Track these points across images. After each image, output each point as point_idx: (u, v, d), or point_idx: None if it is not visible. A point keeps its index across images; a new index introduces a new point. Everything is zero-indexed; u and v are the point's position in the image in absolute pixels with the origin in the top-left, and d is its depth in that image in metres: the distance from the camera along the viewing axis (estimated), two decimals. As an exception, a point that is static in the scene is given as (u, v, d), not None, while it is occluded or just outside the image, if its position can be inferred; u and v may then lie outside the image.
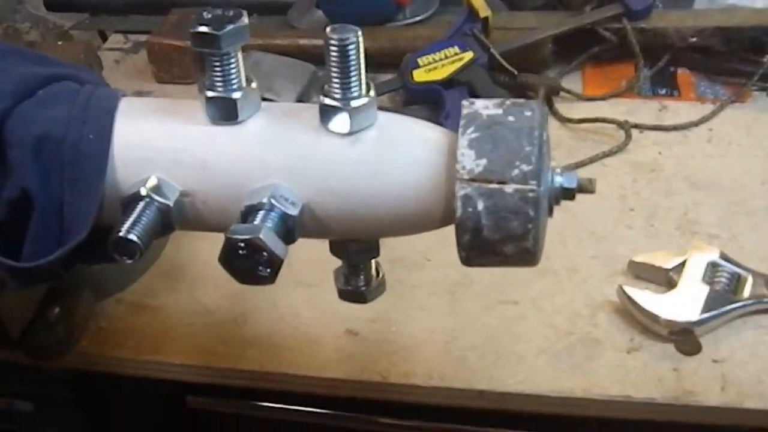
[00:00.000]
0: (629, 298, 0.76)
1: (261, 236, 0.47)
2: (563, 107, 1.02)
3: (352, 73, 0.50)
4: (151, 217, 0.51)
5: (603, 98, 1.04)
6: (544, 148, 0.49)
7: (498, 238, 0.49)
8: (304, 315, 0.78)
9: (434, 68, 0.98)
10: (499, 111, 0.50)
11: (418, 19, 1.13)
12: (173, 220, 0.52)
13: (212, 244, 0.51)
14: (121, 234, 0.50)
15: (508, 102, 0.51)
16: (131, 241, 0.50)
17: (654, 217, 0.87)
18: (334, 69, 0.50)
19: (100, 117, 0.54)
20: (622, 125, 0.97)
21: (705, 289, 0.75)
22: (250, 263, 0.49)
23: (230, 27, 0.49)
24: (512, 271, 0.79)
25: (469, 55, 0.98)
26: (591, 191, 0.53)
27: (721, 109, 1.02)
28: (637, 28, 1.05)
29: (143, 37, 1.22)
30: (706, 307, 0.74)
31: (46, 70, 0.58)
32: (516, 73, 0.99)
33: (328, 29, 0.49)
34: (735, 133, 0.99)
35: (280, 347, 0.75)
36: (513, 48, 1.02)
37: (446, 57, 0.98)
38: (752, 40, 1.07)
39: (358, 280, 0.60)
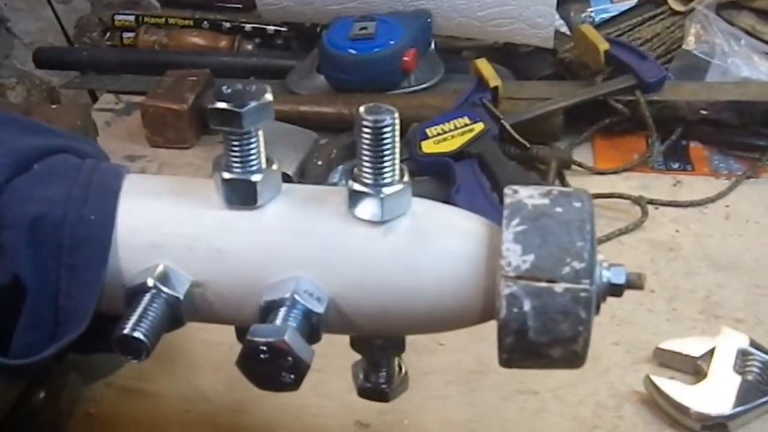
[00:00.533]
0: (657, 389, 0.71)
1: (286, 339, 0.43)
2: (575, 181, 0.98)
3: (386, 158, 0.46)
4: (159, 312, 0.46)
5: (615, 172, 1.00)
6: (594, 242, 0.45)
7: (545, 341, 0.45)
8: (309, 404, 0.72)
9: (444, 139, 0.94)
10: (546, 201, 0.46)
11: (423, 86, 1.09)
12: (183, 314, 0.48)
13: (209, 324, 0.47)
14: (125, 332, 0.45)
15: (554, 191, 0.47)
16: (138, 339, 0.45)
17: (676, 300, 0.83)
18: (367, 152, 0.45)
19: (103, 197, 0.49)
20: (638, 201, 0.94)
21: (737, 380, 0.71)
22: (272, 368, 0.44)
23: (253, 104, 0.45)
24: None
25: (479, 127, 0.94)
26: (640, 287, 0.49)
27: (737, 185, 0.98)
28: (649, 101, 1.02)
29: (136, 98, 1.18)
30: (739, 400, 0.70)
31: (43, 142, 0.54)
32: (528, 145, 0.96)
33: (361, 109, 0.45)
34: (753, 211, 0.96)
35: (283, 440, 0.69)
36: (524, 119, 0.98)
37: (456, 128, 0.95)
38: (764, 114, 1.05)
39: (378, 377, 0.55)
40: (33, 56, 1.30)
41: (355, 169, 0.47)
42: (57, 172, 0.51)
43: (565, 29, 1.18)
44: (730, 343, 0.74)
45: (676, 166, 1.03)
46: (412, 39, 1.07)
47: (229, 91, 0.46)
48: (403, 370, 0.56)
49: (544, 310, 0.44)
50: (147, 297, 0.47)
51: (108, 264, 0.48)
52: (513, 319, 0.44)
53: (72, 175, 0.50)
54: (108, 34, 1.34)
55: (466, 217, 0.49)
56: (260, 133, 0.47)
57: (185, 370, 0.76)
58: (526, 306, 0.44)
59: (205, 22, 1.28)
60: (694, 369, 0.74)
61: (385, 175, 0.46)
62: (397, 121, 0.45)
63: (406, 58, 1.05)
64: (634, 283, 0.49)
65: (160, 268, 0.47)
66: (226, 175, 0.47)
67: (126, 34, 1.31)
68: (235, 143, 0.46)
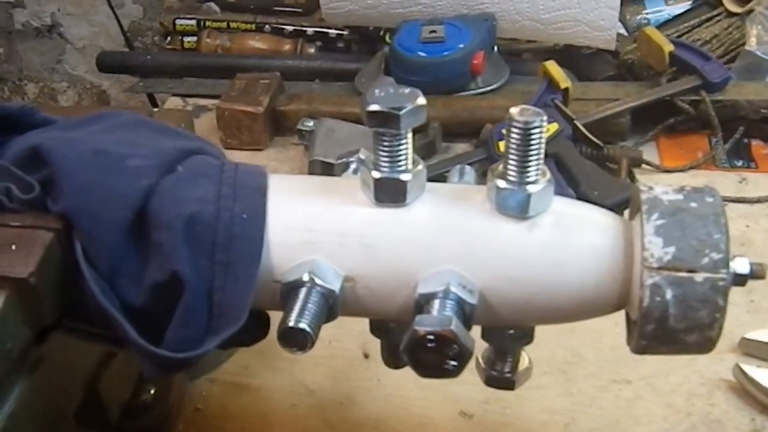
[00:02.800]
0: (748, 377, 0.74)
1: (453, 328, 0.45)
2: (645, 179, 1.01)
3: (532, 157, 0.48)
4: (318, 305, 0.49)
5: (683, 170, 1.03)
6: (729, 234, 0.48)
7: (683, 327, 0.48)
8: (413, 396, 0.75)
9: (520, 139, 0.96)
10: (680, 197, 0.49)
11: (490, 88, 1.12)
12: (338, 306, 0.50)
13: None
14: (291, 324, 0.48)
15: (687, 188, 0.50)
16: (303, 330, 0.48)
17: (753, 293, 0.85)
18: (514, 151, 0.48)
19: (252, 196, 0.52)
20: (709, 198, 0.96)
21: (823, 368, 0.74)
22: (437, 357, 0.46)
23: (410, 107, 0.48)
24: (621, 348, 0.77)
25: (554, 127, 0.97)
26: (762, 277, 0.51)
27: (802, 181, 1.01)
28: (713, 100, 1.05)
29: (202, 101, 1.21)
30: (827, 387, 0.72)
31: (180, 143, 0.56)
32: (602, 145, 0.99)
33: (512, 110, 0.48)
34: (819, 206, 0.98)
35: (392, 430, 0.72)
36: (595, 119, 1.01)
37: (531, 128, 0.97)
38: (824, 113, 1.07)
39: (504, 366, 0.58)
40: (96, 61, 1.33)
41: (499, 167, 0.49)
42: (202, 173, 0.53)
43: (622, 31, 1.20)
44: (811, 332, 0.77)
45: (740, 163, 1.05)
46: (480, 42, 1.10)
47: (381, 93, 0.48)
48: (527, 359, 0.59)
49: (685, 299, 0.47)
50: (304, 291, 0.49)
51: (261, 260, 0.50)
52: (655, 308, 0.47)
53: (216, 175, 0.52)
54: (168, 38, 1.37)
55: (600, 212, 0.52)
56: (410, 134, 0.49)
57: (287, 365, 0.79)
58: (668, 295, 0.47)
59: (267, 26, 1.31)
60: (779, 358, 0.77)
61: (531, 173, 0.48)
62: (545, 124, 0.48)
63: (475, 61, 1.08)
64: (757, 273, 0.51)
65: (315, 264, 0.50)
66: (376, 174, 0.49)
67: (187, 38, 1.34)
68: (387, 144, 0.49)
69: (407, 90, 0.49)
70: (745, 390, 0.75)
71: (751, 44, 1.09)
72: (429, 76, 1.08)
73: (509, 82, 1.14)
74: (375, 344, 0.62)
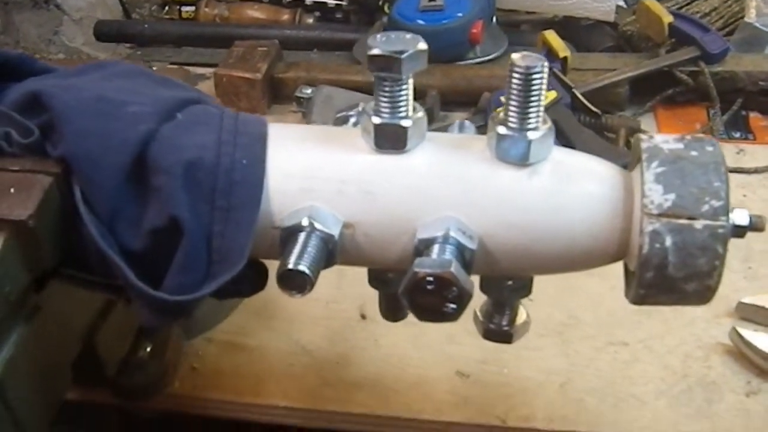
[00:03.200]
0: (744, 340, 0.74)
1: (452, 270, 0.45)
2: (642, 148, 1.01)
3: (533, 103, 0.48)
4: (317, 248, 0.49)
5: (681, 140, 1.03)
6: (729, 182, 0.48)
7: (682, 275, 0.48)
8: (410, 355, 0.75)
9: (519, 107, 0.96)
10: (681, 146, 0.49)
11: (488, 58, 1.12)
12: (337, 251, 0.50)
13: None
14: (290, 266, 0.47)
15: (687, 137, 0.50)
16: (302, 272, 0.47)
17: (750, 260, 0.86)
18: (515, 97, 0.48)
19: (252, 143, 0.51)
20: (707, 167, 0.96)
21: (819, 332, 0.74)
22: (436, 299, 0.46)
23: (411, 51, 0.48)
24: (619, 311, 0.78)
25: (552, 95, 0.97)
26: (762, 229, 0.51)
27: (799, 153, 1.01)
28: (711, 72, 1.05)
29: (200, 69, 1.21)
30: (823, 350, 0.73)
31: (180, 93, 0.56)
32: (600, 113, 0.98)
33: (514, 56, 0.48)
34: (816, 177, 0.98)
35: (389, 390, 0.72)
36: (593, 89, 1.01)
37: (529, 96, 0.97)
38: (821, 85, 1.07)
39: (502, 319, 0.58)
40: (94, 29, 1.32)
41: (500, 114, 0.49)
42: (201, 121, 0.53)
43: (621, 2, 1.20)
44: (808, 298, 0.77)
45: (737, 135, 1.05)
46: (479, 11, 1.09)
47: (383, 39, 0.48)
48: (525, 313, 0.59)
49: (684, 246, 0.47)
50: (303, 235, 0.49)
51: (260, 207, 0.50)
52: (655, 255, 0.47)
53: (216, 123, 0.52)
54: (166, 8, 1.36)
55: (599, 162, 0.52)
56: (411, 80, 0.49)
57: (284, 325, 0.79)
58: (668, 242, 0.47)
59: (266, -4, 1.31)
60: (775, 322, 0.77)
61: (531, 120, 0.48)
62: (546, 69, 0.48)
63: (474, 30, 1.07)
64: (756, 224, 0.51)
65: (314, 209, 0.49)
66: (377, 120, 0.49)
67: (185, 8, 1.34)
68: (388, 89, 0.49)
69: (408, 35, 0.49)
70: (741, 353, 0.75)
71: (750, 16, 1.09)
72: (428, 44, 1.07)
73: (507, 53, 1.14)
74: (372, 305, 0.62)
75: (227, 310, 0.81)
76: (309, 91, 1.05)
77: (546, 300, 0.79)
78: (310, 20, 1.29)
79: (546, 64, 0.48)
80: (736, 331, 0.75)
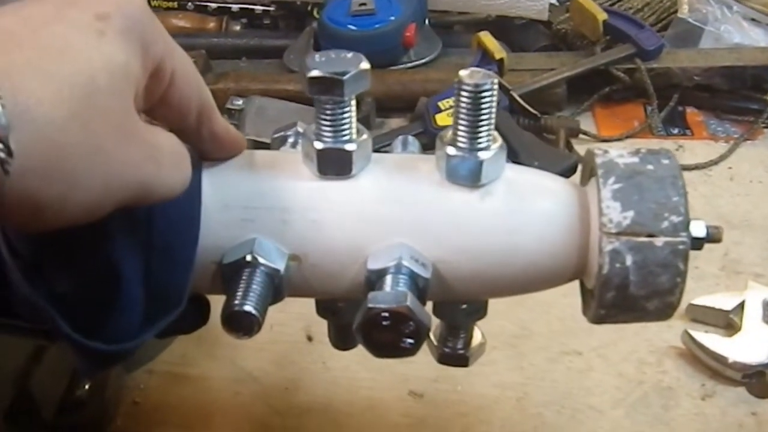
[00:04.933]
0: (697, 342, 0.73)
1: (408, 304, 0.43)
2: (582, 149, 1.00)
3: (483, 122, 0.46)
4: (262, 286, 0.46)
5: (620, 139, 1.03)
6: (687, 196, 0.47)
7: (644, 294, 0.46)
8: (360, 377, 0.73)
9: (457, 112, 0.95)
10: (636, 159, 0.47)
11: (423, 61, 1.10)
12: (284, 286, 0.47)
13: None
14: (236, 308, 0.45)
15: (642, 150, 0.48)
16: (249, 314, 0.45)
17: (697, 259, 0.84)
18: (464, 116, 0.46)
19: None
20: (648, 165, 0.96)
21: (768, 330, 0.74)
22: (393, 335, 0.44)
23: (354, 71, 0.45)
24: (570, 320, 0.77)
25: (490, 98, 0.95)
26: (718, 240, 0.50)
27: (736, 147, 1.02)
28: (647, 68, 1.04)
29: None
30: (775, 348, 0.73)
31: None
32: (539, 115, 0.97)
33: (462, 73, 0.45)
34: (754, 171, 0.99)
35: (341, 414, 0.70)
36: (531, 90, 1.00)
37: (468, 100, 0.95)
38: (755, 79, 1.08)
39: (457, 342, 0.56)
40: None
41: (449, 134, 0.47)
42: None
43: (554, 0, 1.19)
44: (756, 295, 0.77)
45: (675, 131, 1.05)
46: (411, 14, 1.08)
47: (322, 59, 0.46)
48: (481, 335, 0.57)
49: (645, 264, 0.45)
50: (247, 272, 0.46)
51: (199, 242, 0.47)
52: (616, 274, 0.45)
53: None
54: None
55: (552, 178, 0.50)
56: (354, 102, 0.47)
57: (227, 352, 0.76)
58: (629, 261, 0.45)
59: (190, 4, 1.26)
60: (726, 322, 0.77)
61: (482, 139, 0.46)
62: (496, 87, 0.46)
63: (407, 34, 1.05)
64: (714, 236, 0.50)
65: (257, 243, 0.47)
66: (319, 145, 0.46)
67: (108, 20, 1.29)
68: (330, 112, 0.46)
69: (350, 54, 0.47)
70: (694, 356, 0.74)
71: (683, 11, 1.09)
72: (360, 49, 0.99)
73: (442, 55, 1.12)
74: (318, 326, 0.60)
75: (168, 340, 0.77)
76: (240, 102, 1.02)
77: (497, 312, 0.75)
78: (237, 27, 1.25)
79: (495, 81, 0.45)
80: (688, 334, 0.74)
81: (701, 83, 1.08)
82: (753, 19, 1.11)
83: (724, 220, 0.91)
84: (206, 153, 0.48)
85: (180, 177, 0.44)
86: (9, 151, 0.33)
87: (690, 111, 1.08)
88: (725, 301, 0.77)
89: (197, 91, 0.45)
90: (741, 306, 0.76)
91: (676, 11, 1.12)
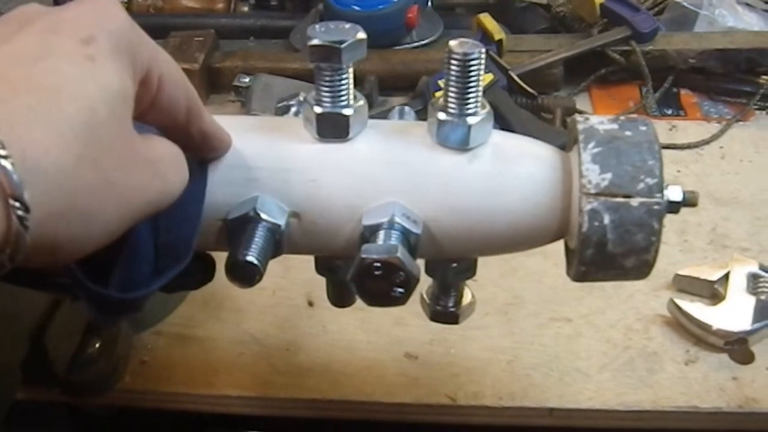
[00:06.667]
0: (681, 310, 0.77)
1: (399, 255, 0.46)
2: (578, 127, 1.03)
3: (471, 89, 0.49)
4: (264, 239, 0.49)
5: (615, 118, 1.05)
6: (662, 160, 0.50)
7: (621, 251, 0.49)
8: (358, 340, 0.76)
9: (456, 90, 0.98)
10: (615, 126, 0.50)
11: (424, 42, 1.13)
12: (284, 241, 0.50)
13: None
14: (238, 257, 0.48)
15: (621, 118, 0.52)
16: (251, 263, 0.48)
17: (686, 233, 0.88)
18: (453, 84, 0.49)
19: None
20: (641, 144, 0.99)
21: (752, 300, 0.76)
22: (384, 284, 0.47)
23: (351, 40, 0.48)
24: (561, 289, 0.80)
25: (489, 77, 0.98)
26: (694, 204, 0.54)
27: (728, 128, 1.04)
28: (643, 51, 1.07)
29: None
30: (756, 317, 0.75)
31: None
32: (536, 94, 1.00)
33: (451, 43, 0.48)
34: (745, 151, 1.02)
35: (339, 374, 0.73)
36: (528, 70, 1.03)
37: (467, 79, 0.98)
38: (748, 62, 1.10)
39: (447, 301, 0.59)
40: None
41: (439, 101, 0.50)
42: None
43: (554, -16, 1.22)
44: (741, 268, 0.80)
45: (669, 112, 1.08)
46: (414, -5, 1.10)
47: (322, 29, 0.49)
48: (471, 294, 0.60)
49: (622, 223, 0.48)
50: (250, 226, 0.49)
51: (206, 199, 0.51)
52: (594, 232, 0.48)
53: None
54: (99, 0, 1.34)
55: (538, 144, 0.53)
56: (351, 69, 0.50)
57: (232, 315, 0.79)
58: (606, 220, 0.48)
59: (200, -15, 1.29)
60: (711, 292, 0.79)
61: (470, 105, 0.49)
62: (483, 55, 0.49)
63: (410, 15, 1.08)
64: (690, 200, 0.53)
65: (260, 200, 0.50)
66: (318, 110, 0.50)
67: None
68: (329, 79, 0.49)
69: (347, 25, 0.50)
70: (679, 323, 0.77)
71: (679, -5, 1.12)
72: (364, 30, 1.07)
73: (444, 36, 1.15)
74: (319, 292, 0.63)
75: (175, 302, 0.81)
76: (247, 79, 1.05)
77: (490, 280, 0.81)
78: (245, 8, 1.28)
79: (483, 50, 0.48)
80: (674, 302, 0.77)
81: (696, 65, 1.10)
82: (747, 4, 1.13)
83: (714, 197, 0.93)
84: (197, 151, 0.49)
85: (181, 180, 0.46)
86: (26, 208, 0.33)
87: (684, 92, 1.11)
88: (711, 272, 0.80)
89: (184, 90, 0.45)
90: (726, 277, 0.79)
91: (671, -5, 1.15)
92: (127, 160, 0.40)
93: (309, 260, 0.57)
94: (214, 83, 1.10)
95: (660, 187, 0.48)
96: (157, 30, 1.17)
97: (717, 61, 1.11)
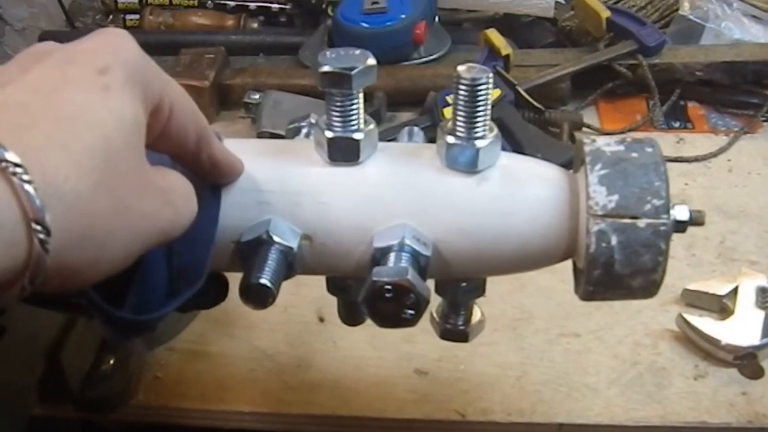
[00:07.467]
0: (690, 325, 0.77)
1: (409, 278, 0.47)
2: (586, 141, 1.03)
3: (480, 113, 0.50)
4: (277, 262, 0.50)
5: (622, 132, 1.06)
6: (668, 182, 0.50)
7: (628, 272, 0.50)
8: (368, 356, 0.77)
9: (464, 106, 0.98)
10: (622, 148, 0.51)
11: (432, 57, 1.14)
12: (296, 263, 0.51)
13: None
14: (252, 280, 0.49)
15: (627, 139, 0.52)
16: (264, 286, 0.49)
17: (694, 247, 0.89)
18: (462, 108, 0.50)
19: None
20: (648, 158, 0.99)
21: (761, 314, 0.77)
22: (395, 306, 0.48)
23: (361, 67, 0.49)
24: (569, 304, 0.81)
25: (496, 93, 0.99)
26: (701, 223, 0.54)
27: (736, 140, 1.05)
28: (649, 64, 1.08)
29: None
30: (765, 331, 0.76)
31: None
32: (543, 109, 1.01)
33: (459, 68, 0.49)
34: (753, 163, 1.02)
35: (349, 390, 0.74)
36: (535, 85, 1.03)
37: (474, 94, 0.99)
38: (755, 74, 1.11)
39: (457, 319, 0.60)
40: (38, 40, 1.31)
41: (448, 124, 0.51)
42: None
43: (559, -1, 1.23)
44: (750, 282, 0.80)
45: (677, 125, 1.09)
46: (422, 12, 1.11)
47: (332, 55, 0.50)
48: (480, 312, 0.61)
49: (629, 244, 0.49)
50: (263, 249, 0.50)
51: (219, 222, 0.51)
52: (601, 254, 0.49)
53: None
54: (110, 17, 1.36)
55: (545, 165, 0.54)
56: (361, 95, 0.51)
57: (243, 332, 0.80)
58: (613, 241, 0.49)
59: (210, 2, 1.31)
60: (720, 307, 0.80)
61: (478, 129, 0.50)
62: (491, 80, 0.49)
63: (417, 31, 1.09)
64: (696, 219, 0.54)
65: (272, 223, 0.51)
66: (329, 134, 0.51)
67: (129, 17, 1.33)
68: (339, 104, 0.50)
69: (357, 51, 0.51)
70: (687, 338, 0.78)
71: (685, 9, 1.13)
72: (372, 46, 1.04)
73: (451, 51, 1.16)
74: (330, 308, 0.64)
75: (188, 319, 0.82)
76: (257, 96, 1.06)
77: (499, 297, 0.82)
78: (255, 25, 1.29)
79: (490, 75, 0.49)
80: (683, 317, 0.78)
81: (702, 78, 1.11)
82: (753, 16, 1.14)
83: (722, 210, 0.94)
84: (207, 177, 0.50)
85: (191, 212, 0.46)
86: (47, 231, 0.34)
87: (691, 105, 1.12)
88: (719, 287, 0.81)
89: (194, 118, 0.46)
90: (734, 291, 0.80)
91: (677, 9, 1.16)
92: (140, 188, 0.41)
93: (320, 277, 0.58)
94: (224, 100, 1.12)
95: (666, 208, 0.49)
96: (168, 47, 1.20)
97: (724, 74, 1.11)
